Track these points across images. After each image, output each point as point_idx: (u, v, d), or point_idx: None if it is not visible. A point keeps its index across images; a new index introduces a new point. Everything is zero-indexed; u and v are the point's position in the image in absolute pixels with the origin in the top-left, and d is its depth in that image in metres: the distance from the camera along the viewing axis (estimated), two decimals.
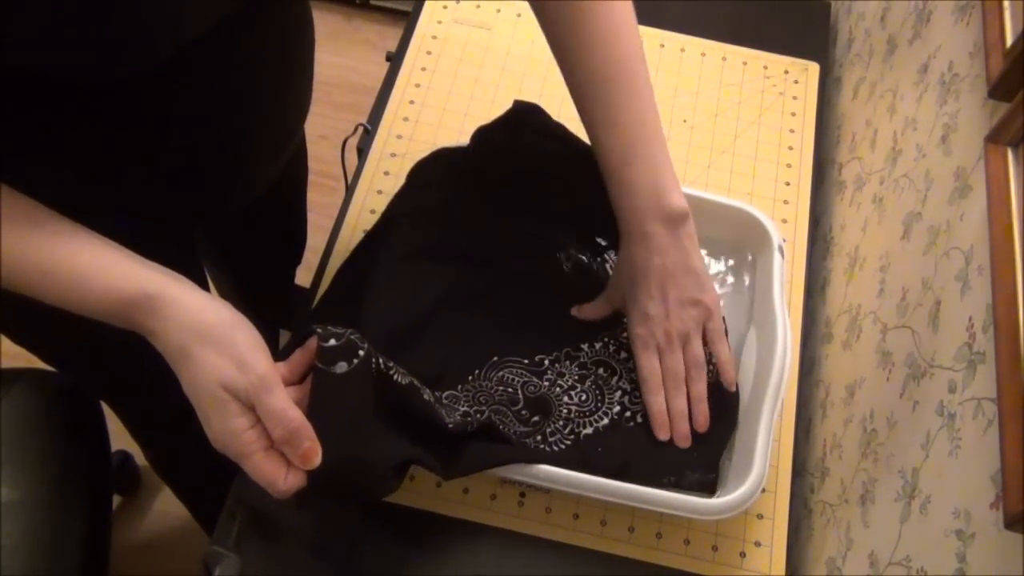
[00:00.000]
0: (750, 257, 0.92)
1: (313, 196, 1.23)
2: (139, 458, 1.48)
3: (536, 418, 0.82)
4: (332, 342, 0.65)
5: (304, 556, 0.81)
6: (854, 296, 0.92)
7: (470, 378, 0.83)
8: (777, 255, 0.87)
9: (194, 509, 1.38)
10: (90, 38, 0.59)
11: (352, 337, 0.66)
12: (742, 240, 0.92)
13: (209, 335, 0.60)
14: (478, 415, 0.80)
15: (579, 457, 0.79)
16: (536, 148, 0.87)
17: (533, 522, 0.83)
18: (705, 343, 0.80)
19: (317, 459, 0.62)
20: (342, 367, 0.65)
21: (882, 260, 0.87)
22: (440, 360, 0.83)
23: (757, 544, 0.83)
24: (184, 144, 0.75)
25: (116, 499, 1.56)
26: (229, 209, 0.87)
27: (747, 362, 0.85)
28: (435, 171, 0.90)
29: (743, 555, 0.83)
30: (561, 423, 0.82)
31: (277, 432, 0.60)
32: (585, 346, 0.86)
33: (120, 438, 1.21)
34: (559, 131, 0.87)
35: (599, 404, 0.83)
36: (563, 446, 0.80)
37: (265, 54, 0.77)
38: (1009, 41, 0.68)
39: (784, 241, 0.90)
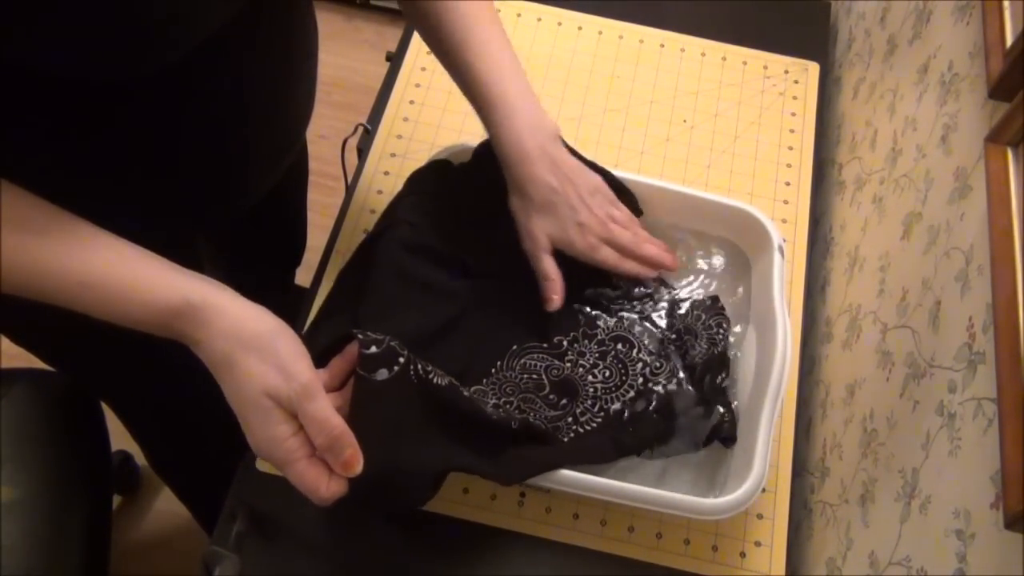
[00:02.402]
0: (750, 257, 0.92)
1: (313, 196, 1.23)
2: (139, 458, 1.48)
3: (564, 401, 0.82)
4: (373, 349, 0.66)
5: (304, 556, 0.81)
6: (854, 296, 0.92)
7: (493, 370, 0.84)
8: (777, 255, 0.87)
9: (194, 509, 1.38)
10: (106, 35, 0.59)
11: (392, 344, 0.67)
12: (742, 240, 0.92)
13: (253, 343, 0.60)
14: (507, 405, 0.80)
15: (611, 435, 0.80)
16: None
17: (533, 522, 0.83)
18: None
19: (359, 466, 0.62)
20: (383, 374, 0.65)
21: (882, 260, 0.87)
22: (461, 358, 0.83)
23: (757, 544, 0.83)
24: (189, 146, 0.75)
25: (116, 499, 1.56)
26: (232, 211, 0.87)
27: (747, 362, 0.86)
28: (436, 181, 0.90)
29: (743, 555, 0.83)
30: (589, 402, 0.82)
31: (320, 439, 0.61)
32: (601, 323, 0.86)
33: (120, 438, 1.21)
34: (574, 152, 0.87)
35: (624, 378, 0.83)
36: (594, 424, 0.81)
37: (270, 57, 0.77)
38: (1009, 41, 0.68)
39: (784, 241, 0.90)
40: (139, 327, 0.62)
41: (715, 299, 0.88)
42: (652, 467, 0.82)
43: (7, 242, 0.59)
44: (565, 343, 0.85)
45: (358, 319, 0.79)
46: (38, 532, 0.93)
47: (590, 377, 0.84)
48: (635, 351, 0.85)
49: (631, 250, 0.84)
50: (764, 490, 0.78)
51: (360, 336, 0.67)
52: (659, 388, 0.82)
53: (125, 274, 0.61)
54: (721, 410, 0.80)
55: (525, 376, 0.83)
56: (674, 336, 0.86)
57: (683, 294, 0.90)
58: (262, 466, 0.84)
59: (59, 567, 0.94)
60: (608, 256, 0.83)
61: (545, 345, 0.85)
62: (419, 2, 0.81)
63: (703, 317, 0.86)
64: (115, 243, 0.63)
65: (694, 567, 0.82)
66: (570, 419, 0.81)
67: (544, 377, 0.83)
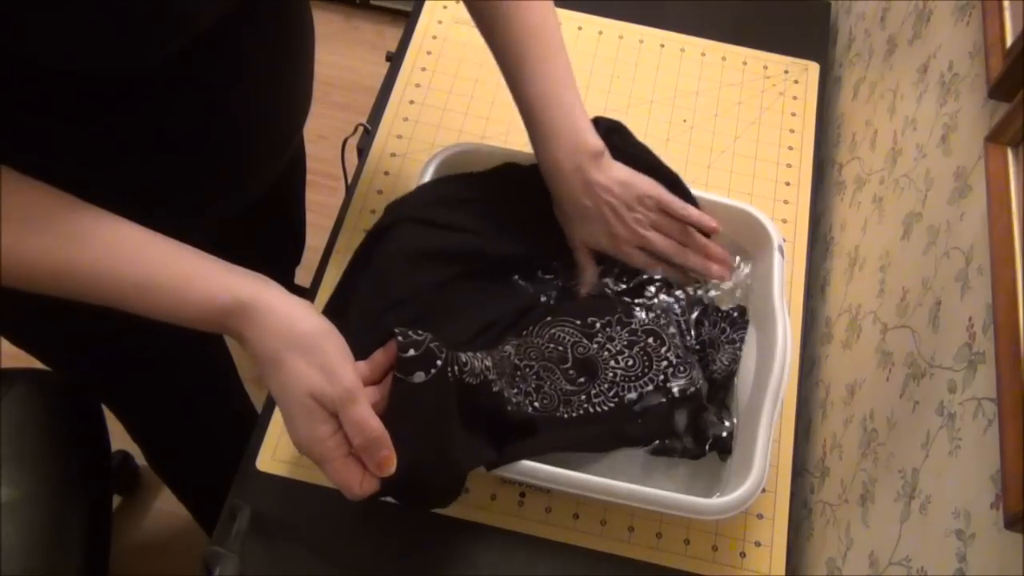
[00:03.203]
0: (750, 257, 0.92)
1: (313, 196, 1.23)
2: (139, 458, 1.48)
3: (582, 379, 0.83)
4: (411, 352, 0.68)
5: (304, 556, 0.81)
6: (854, 296, 0.92)
7: (524, 333, 0.85)
8: (777, 255, 0.87)
9: (194, 509, 1.38)
10: (103, 27, 0.59)
11: (431, 346, 0.69)
12: (742, 240, 0.92)
13: (301, 344, 0.62)
14: (527, 369, 0.82)
15: (619, 423, 0.81)
16: (620, 153, 0.88)
17: (533, 522, 0.83)
18: (672, 216, 0.86)
19: (392, 467, 0.65)
20: (419, 376, 0.68)
21: (882, 260, 0.87)
22: (496, 310, 0.87)
23: (757, 544, 0.83)
24: (186, 141, 0.75)
25: (116, 499, 1.56)
26: (230, 208, 0.87)
27: (747, 362, 0.86)
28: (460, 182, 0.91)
29: (743, 555, 0.83)
30: (606, 386, 0.83)
31: (357, 440, 0.63)
32: (638, 314, 0.87)
33: (120, 438, 1.21)
34: (644, 149, 0.89)
35: (646, 370, 0.84)
36: (606, 408, 0.82)
37: (266, 50, 0.77)
38: (1009, 41, 0.68)
39: (784, 241, 0.90)
40: (192, 325, 0.64)
41: (743, 310, 0.89)
42: (652, 466, 0.82)
43: (63, 247, 0.61)
44: (598, 325, 0.86)
45: (393, 287, 0.82)
46: (38, 532, 0.93)
47: (613, 362, 0.84)
48: (664, 349, 0.85)
49: (669, 257, 0.88)
50: (764, 490, 0.78)
51: (400, 337, 0.69)
52: (676, 390, 0.83)
53: (177, 274, 0.63)
54: (727, 424, 0.82)
55: (552, 346, 0.85)
56: (698, 347, 0.87)
57: (713, 293, 0.91)
58: (262, 466, 0.84)
59: (59, 567, 0.94)
60: (639, 260, 0.87)
61: (578, 322, 0.87)
62: (480, 2, 0.82)
63: (728, 331, 0.87)
64: (165, 243, 0.65)
65: (694, 567, 0.82)
66: (583, 397, 0.82)
67: (569, 352, 0.84)
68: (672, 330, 0.87)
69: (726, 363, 0.85)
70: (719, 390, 0.85)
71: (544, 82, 0.81)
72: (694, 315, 0.88)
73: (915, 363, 0.73)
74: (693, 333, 0.88)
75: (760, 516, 0.85)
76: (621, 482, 0.76)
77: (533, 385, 0.82)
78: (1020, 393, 0.55)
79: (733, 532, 0.84)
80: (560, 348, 0.84)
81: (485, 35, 0.84)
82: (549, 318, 0.86)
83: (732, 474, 0.79)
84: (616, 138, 0.88)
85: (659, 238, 0.87)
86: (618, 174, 0.84)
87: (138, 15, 0.60)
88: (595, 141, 0.83)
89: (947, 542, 0.60)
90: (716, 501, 0.75)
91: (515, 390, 0.81)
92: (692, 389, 0.82)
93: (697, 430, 0.82)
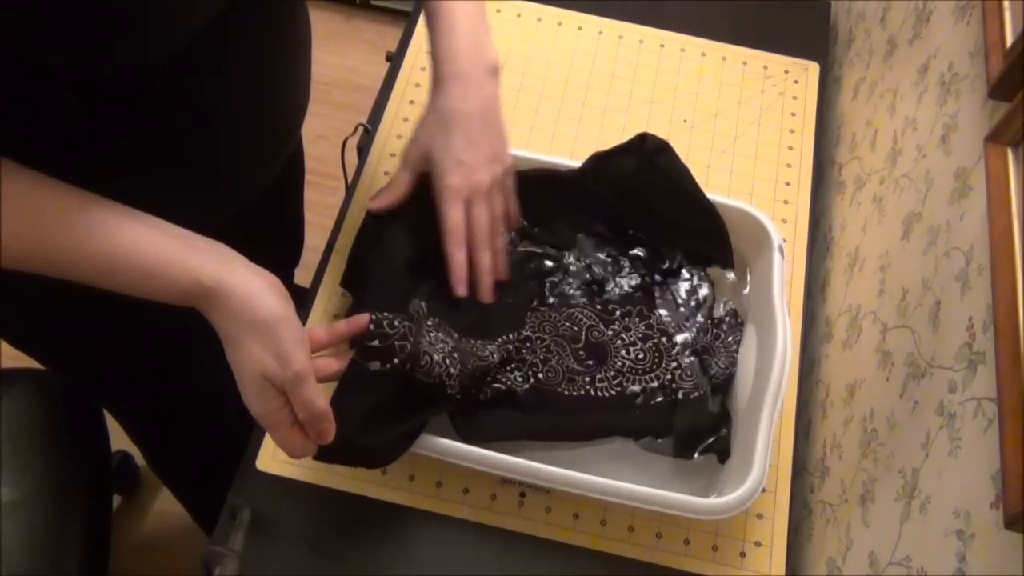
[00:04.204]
0: (750, 257, 0.92)
1: (313, 196, 1.23)
2: (139, 458, 1.48)
3: (591, 362, 0.85)
4: (375, 343, 0.72)
5: (304, 556, 0.81)
6: (854, 296, 0.92)
7: (543, 309, 0.87)
8: (777, 255, 0.87)
9: (193, 510, 1.38)
10: (96, 28, 0.60)
11: (396, 344, 0.73)
12: (742, 240, 0.92)
13: (256, 329, 0.66)
14: (539, 342, 0.84)
15: (617, 411, 0.82)
16: (660, 178, 0.89)
17: (533, 522, 0.83)
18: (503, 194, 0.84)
19: (330, 438, 0.71)
20: (375, 366, 0.73)
21: (882, 260, 0.87)
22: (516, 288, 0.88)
23: (757, 544, 0.83)
24: (179, 143, 0.75)
25: (116, 499, 1.56)
26: (225, 210, 0.87)
27: (747, 362, 0.86)
28: None
29: (743, 555, 0.83)
30: (612, 373, 0.84)
31: (302, 415, 0.69)
32: (659, 312, 0.88)
33: (120, 438, 1.21)
34: (687, 174, 0.89)
35: (654, 367, 0.85)
36: (608, 394, 0.83)
37: (259, 51, 0.77)
38: (1009, 41, 0.68)
39: (784, 241, 0.90)
40: (167, 301, 0.68)
41: (734, 312, 0.89)
42: (652, 467, 0.82)
43: (44, 223, 0.64)
44: (618, 312, 0.87)
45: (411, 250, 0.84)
46: (38, 532, 0.93)
47: (624, 352, 0.85)
48: (675, 351, 0.86)
49: (476, 241, 0.82)
50: (764, 490, 0.78)
51: (372, 326, 0.72)
52: (682, 393, 0.84)
53: (147, 254, 0.66)
54: (725, 431, 0.82)
55: (567, 324, 0.86)
56: (695, 356, 0.87)
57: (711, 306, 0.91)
58: (262, 466, 0.84)
59: (59, 567, 0.93)
60: (453, 212, 0.80)
61: (599, 307, 0.88)
62: None
63: (721, 335, 0.88)
64: (139, 224, 0.67)
65: (694, 567, 0.82)
66: (587, 379, 0.84)
67: (583, 333, 0.86)
68: (690, 336, 0.87)
69: (723, 366, 0.86)
70: (717, 393, 0.85)
71: (452, 14, 0.80)
72: (699, 320, 0.88)
73: (915, 363, 0.73)
74: (691, 340, 0.88)
75: (760, 516, 0.85)
76: (621, 482, 0.76)
77: (541, 357, 0.84)
78: (1020, 393, 0.55)
79: (733, 532, 0.84)
80: (575, 328, 0.86)
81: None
82: (573, 301, 0.88)
83: (732, 474, 0.79)
84: (662, 158, 0.88)
85: (484, 213, 0.81)
86: (498, 111, 0.82)
87: (129, 16, 0.60)
88: (493, 55, 0.81)
89: (947, 542, 0.60)
90: (716, 501, 0.75)
91: (513, 365, 0.83)
92: (697, 394, 0.83)
93: (694, 434, 0.82)
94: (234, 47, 0.73)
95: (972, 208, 0.70)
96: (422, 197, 0.83)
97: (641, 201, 0.90)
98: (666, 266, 0.91)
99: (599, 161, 0.89)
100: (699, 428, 0.82)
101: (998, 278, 0.61)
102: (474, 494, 0.84)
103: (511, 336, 0.84)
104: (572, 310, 0.87)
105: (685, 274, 0.91)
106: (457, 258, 0.81)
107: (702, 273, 0.91)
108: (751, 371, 0.84)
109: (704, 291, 0.90)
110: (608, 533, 0.83)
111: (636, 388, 0.83)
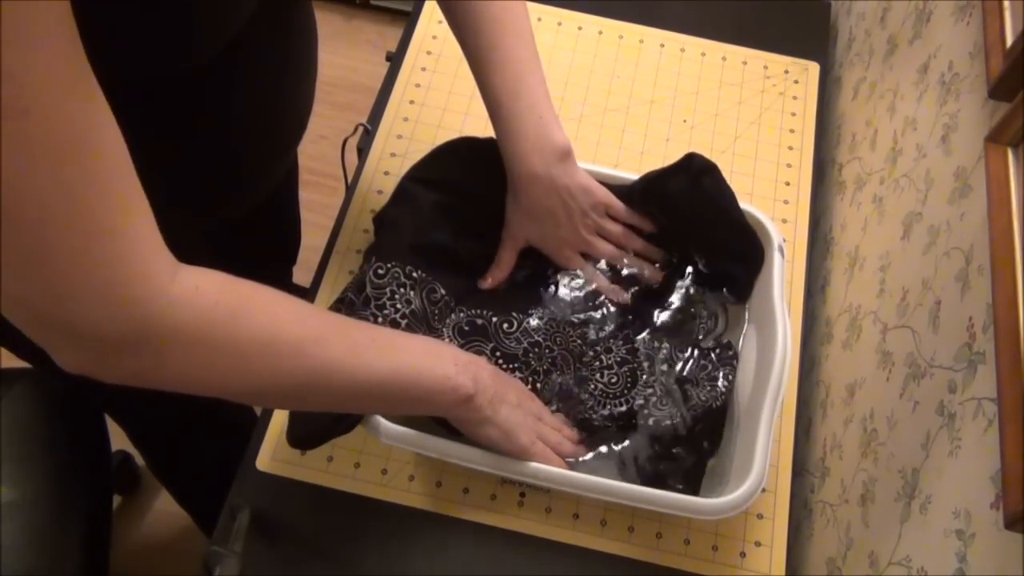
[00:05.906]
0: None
1: (313, 196, 1.23)
2: (139, 458, 1.48)
3: (577, 389, 0.85)
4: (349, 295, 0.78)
5: (304, 556, 0.81)
6: (854, 296, 0.92)
7: (562, 322, 0.88)
8: (777, 255, 0.87)
9: (193, 511, 1.38)
10: (157, 29, 0.60)
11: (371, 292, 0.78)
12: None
13: (501, 398, 0.76)
14: (547, 351, 0.85)
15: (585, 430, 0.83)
16: (708, 198, 0.88)
17: (533, 522, 0.83)
18: (615, 219, 0.89)
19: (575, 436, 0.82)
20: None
21: (882, 260, 0.87)
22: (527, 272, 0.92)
23: (757, 544, 0.83)
24: (193, 150, 0.75)
25: (116, 499, 1.56)
26: (229, 215, 0.87)
27: (747, 362, 0.85)
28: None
29: (743, 555, 0.83)
30: (586, 396, 0.84)
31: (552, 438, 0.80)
32: (645, 337, 0.88)
33: (120, 438, 1.21)
34: (731, 197, 0.88)
35: (627, 390, 0.85)
36: (586, 416, 0.83)
37: (275, 59, 0.77)
38: (1009, 41, 0.68)
39: (784, 241, 0.90)
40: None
41: (728, 345, 0.87)
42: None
43: (348, 363, 0.65)
44: (603, 334, 0.88)
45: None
46: (38, 532, 0.93)
47: (597, 376, 0.85)
48: (652, 378, 0.86)
49: (611, 261, 0.91)
50: (764, 490, 0.78)
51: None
52: (652, 420, 0.83)
53: (423, 374, 0.70)
54: (691, 458, 0.82)
55: (578, 343, 0.87)
56: (675, 384, 0.86)
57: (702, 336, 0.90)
58: (262, 466, 0.84)
59: (59, 567, 0.94)
60: (576, 263, 0.90)
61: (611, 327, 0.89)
62: (450, 1, 0.82)
63: (708, 367, 0.86)
64: (407, 347, 0.71)
65: (694, 567, 0.82)
66: (578, 401, 0.84)
67: (577, 340, 0.87)
68: (667, 366, 0.87)
69: (703, 399, 0.84)
70: (698, 423, 0.83)
71: (510, 78, 0.81)
72: (687, 351, 0.87)
73: (915, 363, 0.73)
74: (677, 369, 0.86)
75: (760, 516, 0.85)
76: (621, 482, 0.76)
77: (544, 367, 0.84)
78: (1020, 393, 0.55)
79: (733, 532, 0.84)
80: (584, 346, 0.86)
81: (455, 30, 0.84)
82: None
83: (732, 474, 0.79)
84: (707, 180, 0.87)
85: (603, 244, 0.89)
86: (582, 179, 0.85)
87: (182, 19, 0.61)
88: (562, 139, 0.83)
89: (947, 542, 0.60)
90: (716, 501, 0.75)
91: (516, 365, 0.83)
92: (667, 423, 0.83)
93: (657, 465, 0.81)
94: (254, 56, 0.73)
95: (972, 208, 0.70)
96: (456, 182, 0.87)
97: (684, 221, 0.89)
98: (684, 289, 0.90)
99: (649, 181, 0.88)
100: (662, 464, 0.81)
101: (998, 278, 0.61)
102: (474, 494, 0.84)
103: (486, 313, 0.85)
104: (586, 328, 0.87)
105: (702, 301, 0.90)
106: (606, 289, 0.90)
107: (721, 307, 0.90)
108: (751, 371, 0.84)
109: (717, 324, 0.89)
110: (608, 533, 0.83)
111: (605, 412, 0.83)
